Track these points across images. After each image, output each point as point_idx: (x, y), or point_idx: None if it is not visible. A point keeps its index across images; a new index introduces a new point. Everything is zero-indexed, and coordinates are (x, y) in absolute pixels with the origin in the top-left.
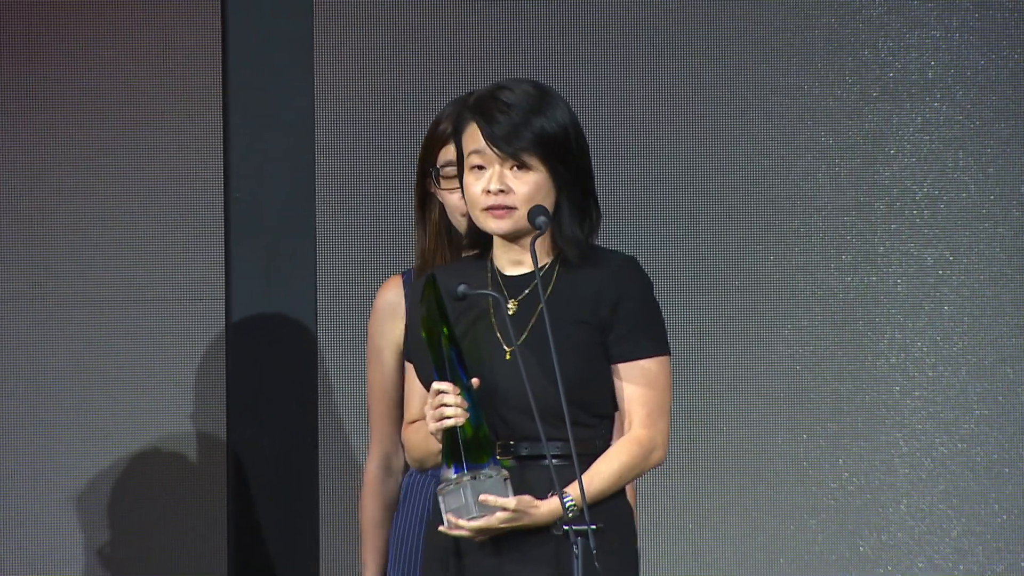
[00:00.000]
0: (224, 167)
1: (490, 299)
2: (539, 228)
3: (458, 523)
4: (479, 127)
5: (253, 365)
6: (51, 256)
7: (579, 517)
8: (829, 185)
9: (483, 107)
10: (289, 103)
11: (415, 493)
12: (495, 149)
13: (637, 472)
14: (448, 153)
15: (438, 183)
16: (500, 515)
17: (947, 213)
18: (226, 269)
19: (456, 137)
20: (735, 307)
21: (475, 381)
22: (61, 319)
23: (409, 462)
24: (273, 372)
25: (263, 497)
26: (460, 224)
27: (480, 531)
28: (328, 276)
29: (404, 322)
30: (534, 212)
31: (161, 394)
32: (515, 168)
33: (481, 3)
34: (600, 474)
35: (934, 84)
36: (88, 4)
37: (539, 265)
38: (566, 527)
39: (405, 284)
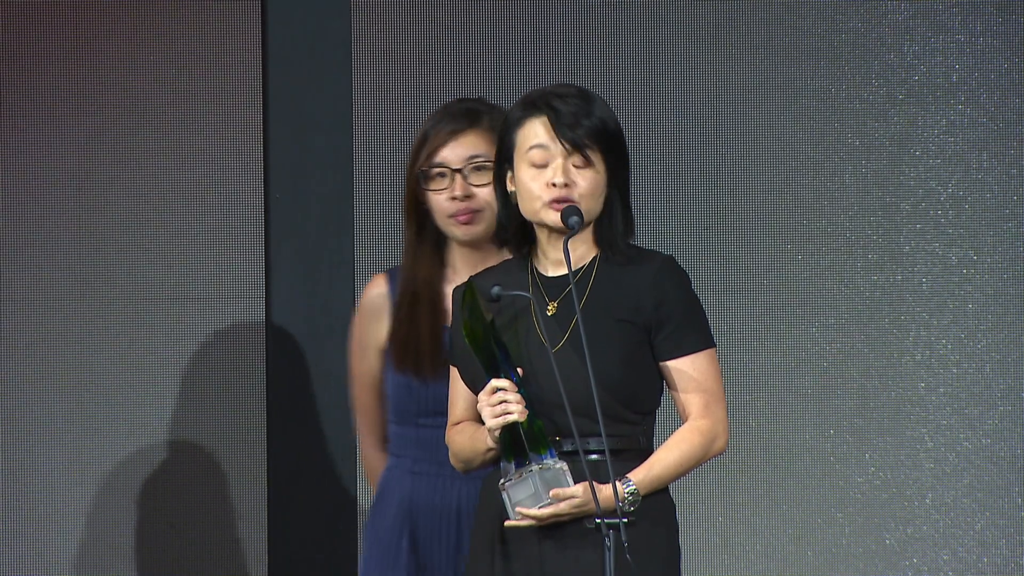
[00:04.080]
0: (264, 167)
1: (531, 300)
2: (572, 228)
3: (528, 513)
4: (547, 119)
5: (292, 364)
6: (94, 255)
7: (611, 511)
8: (856, 186)
9: (547, 101)
10: (328, 104)
11: (391, 490)
12: (563, 141)
13: (698, 460)
14: (435, 155)
15: (426, 184)
16: (569, 502)
17: (971, 213)
18: (266, 269)
19: (505, 137)
20: (763, 304)
21: (519, 371)
22: (103, 317)
23: (454, 464)
24: (313, 372)
25: (302, 498)
26: (446, 225)
27: (548, 518)
28: (367, 276)
29: (387, 320)
30: (567, 212)
31: (200, 393)
32: (577, 163)
33: (519, 5)
34: (661, 460)
35: (958, 87)
36: (130, 6)
37: (580, 264)
38: (598, 520)
39: (390, 282)
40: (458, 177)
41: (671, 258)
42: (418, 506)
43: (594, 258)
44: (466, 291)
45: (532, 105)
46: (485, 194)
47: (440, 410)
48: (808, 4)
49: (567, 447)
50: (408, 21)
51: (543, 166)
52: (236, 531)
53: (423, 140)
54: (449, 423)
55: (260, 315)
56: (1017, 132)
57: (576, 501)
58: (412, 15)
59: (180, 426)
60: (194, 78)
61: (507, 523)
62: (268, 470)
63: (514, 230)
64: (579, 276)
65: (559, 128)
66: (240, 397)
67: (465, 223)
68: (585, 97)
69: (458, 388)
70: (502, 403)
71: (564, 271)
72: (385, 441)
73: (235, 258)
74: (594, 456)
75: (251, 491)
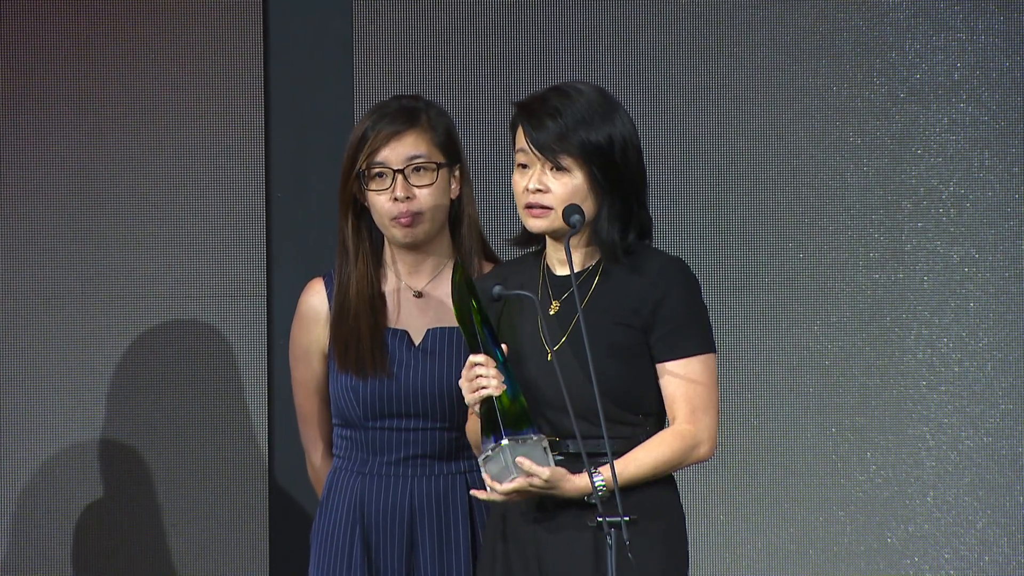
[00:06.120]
0: (265, 166)
1: (535, 300)
2: (573, 226)
3: (493, 487)
4: (521, 126)
5: None
6: (95, 254)
7: (613, 509)
8: (857, 184)
9: (531, 109)
10: (328, 103)
11: (338, 490)
12: (534, 150)
13: (676, 464)
14: (375, 155)
15: (366, 185)
16: (531, 479)
17: (973, 212)
18: (267, 268)
19: (512, 135)
20: (765, 303)
21: (504, 347)
22: (104, 316)
23: (475, 452)
24: None
25: (302, 498)
26: (386, 227)
27: (512, 493)
28: None
29: (327, 324)
30: (568, 211)
31: (200, 393)
32: (554, 170)
33: (519, 4)
34: (636, 460)
35: (960, 85)
36: (131, 6)
37: (585, 265)
38: (600, 518)
39: (327, 286)
40: (399, 178)
41: (678, 260)
42: (369, 507)
43: (599, 260)
44: (454, 272)
45: (519, 109)
46: (426, 195)
47: (387, 412)
48: (809, 3)
49: (570, 448)
50: (408, 21)
51: (526, 171)
52: (236, 531)
53: (361, 140)
54: (469, 413)
55: (260, 315)
56: (1019, 130)
57: (538, 482)
58: (412, 15)
59: (180, 426)
60: (196, 78)
61: (472, 491)
62: (268, 470)
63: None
64: (583, 277)
65: (531, 137)
66: (240, 397)
67: (406, 225)
68: (579, 103)
69: None
70: (478, 378)
71: (567, 271)
72: (331, 446)
73: (236, 257)
74: (605, 461)
75: (251, 491)
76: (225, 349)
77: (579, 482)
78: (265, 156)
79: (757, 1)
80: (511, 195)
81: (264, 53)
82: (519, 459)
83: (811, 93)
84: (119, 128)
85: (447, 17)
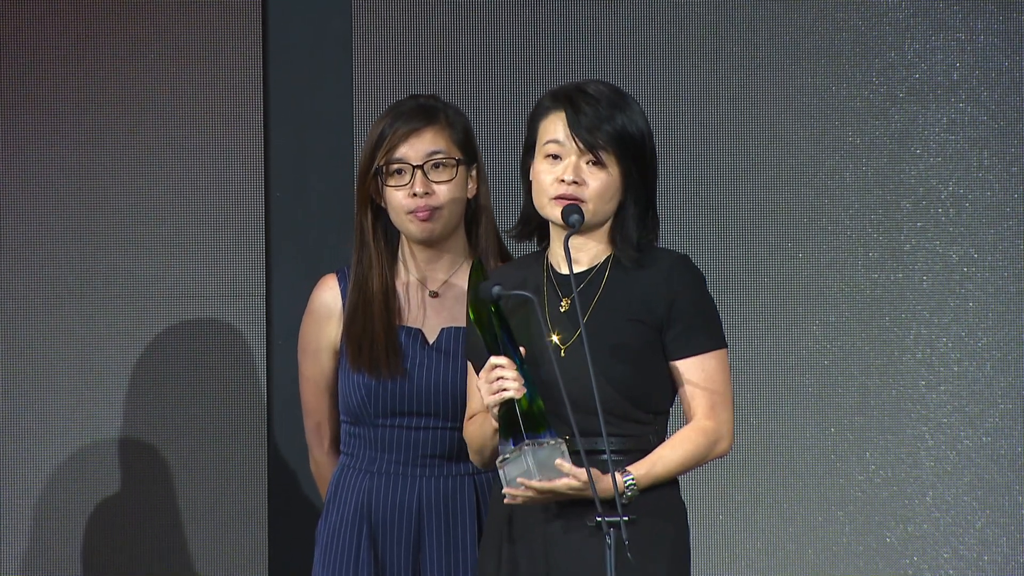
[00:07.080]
0: (264, 166)
1: (543, 296)
2: (572, 226)
3: (526, 483)
4: (565, 115)
5: (292, 364)
6: (95, 253)
7: (612, 509)
8: (856, 184)
9: (571, 97)
10: (328, 103)
11: (345, 488)
12: (577, 140)
13: (700, 460)
14: (394, 152)
15: (385, 181)
16: (566, 481)
17: (972, 211)
18: (266, 268)
19: (531, 126)
20: (764, 303)
21: (521, 350)
22: (104, 316)
23: (472, 458)
24: None
25: (302, 498)
26: (403, 222)
27: (543, 492)
28: None
29: (339, 321)
30: (568, 211)
31: (200, 393)
32: (591, 163)
33: (519, 5)
34: (664, 458)
35: (959, 85)
36: (132, 6)
37: (593, 263)
38: (599, 518)
39: (340, 283)
40: (418, 173)
41: (685, 257)
42: (376, 505)
43: (607, 257)
44: (471, 272)
45: (556, 98)
46: (444, 191)
47: (399, 410)
48: (809, 3)
49: (577, 446)
50: (408, 21)
51: (557, 161)
52: (236, 531)
53: (380, 138)
54: (466, 416)
55: (260, 315)
56: (1018, 130)
57: (576, 484)
58: (412, 14)
59: (180, 426)
60: (195, 77)
61: (504, 492)
62: (268, 470)
63: (538, 222)
64: (592, 275)
65: (575, 127)
66: (240, 397)
67: (423, 220)
68: (614, 98)
69: (475, 382)
70: (499, 380)
71: (577, 269)
72: (336, 443)
73: (236, 257)
74: (604, 457)
75: (251, 491)
76: (225, 349)
77: (609, 481)
78: (264, 156)
79: (757, 1)
80: (509, 194)
81: (264, 52)
82: (558, 462)
83: (810, 93)
84: (118, 127)
85: (447, 17)
